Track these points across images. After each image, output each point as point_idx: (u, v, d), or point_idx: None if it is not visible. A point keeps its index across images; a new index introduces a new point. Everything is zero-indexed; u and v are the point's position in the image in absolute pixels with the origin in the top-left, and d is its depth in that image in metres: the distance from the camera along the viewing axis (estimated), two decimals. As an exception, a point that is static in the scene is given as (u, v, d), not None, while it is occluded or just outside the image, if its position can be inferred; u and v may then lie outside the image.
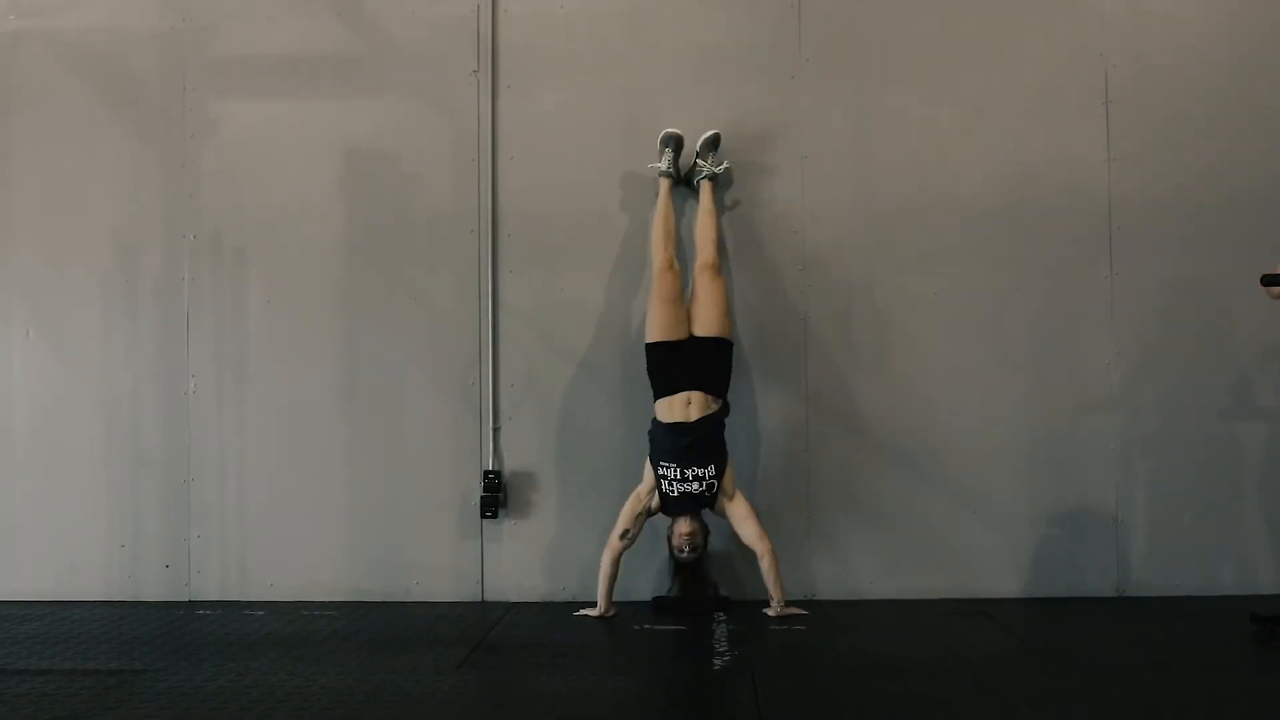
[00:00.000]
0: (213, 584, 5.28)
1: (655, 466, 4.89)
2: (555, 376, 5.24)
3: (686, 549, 4.85)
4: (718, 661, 4.14)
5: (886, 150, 5.23)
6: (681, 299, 5.03)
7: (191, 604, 5.21)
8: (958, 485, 5.16)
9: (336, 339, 5.30)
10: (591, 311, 5.22)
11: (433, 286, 5.28)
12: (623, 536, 4.87)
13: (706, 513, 4.90)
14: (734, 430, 5.01)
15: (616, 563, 4.87)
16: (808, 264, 5.21)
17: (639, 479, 4.98)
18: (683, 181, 5.22)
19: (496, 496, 5.17)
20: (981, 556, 5.14)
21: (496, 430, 5.24)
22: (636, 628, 4.68)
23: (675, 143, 5.14)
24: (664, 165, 5.14)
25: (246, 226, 5.33)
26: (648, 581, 5.09)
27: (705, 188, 5.14)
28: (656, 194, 5.16)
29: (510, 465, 5.24)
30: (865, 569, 5.16)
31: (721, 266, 5.08)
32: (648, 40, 5.30)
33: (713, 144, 5.14)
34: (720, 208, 5.18)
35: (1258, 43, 5.21)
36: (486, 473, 5.20)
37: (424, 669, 4.05)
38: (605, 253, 5.24)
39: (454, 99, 5.31)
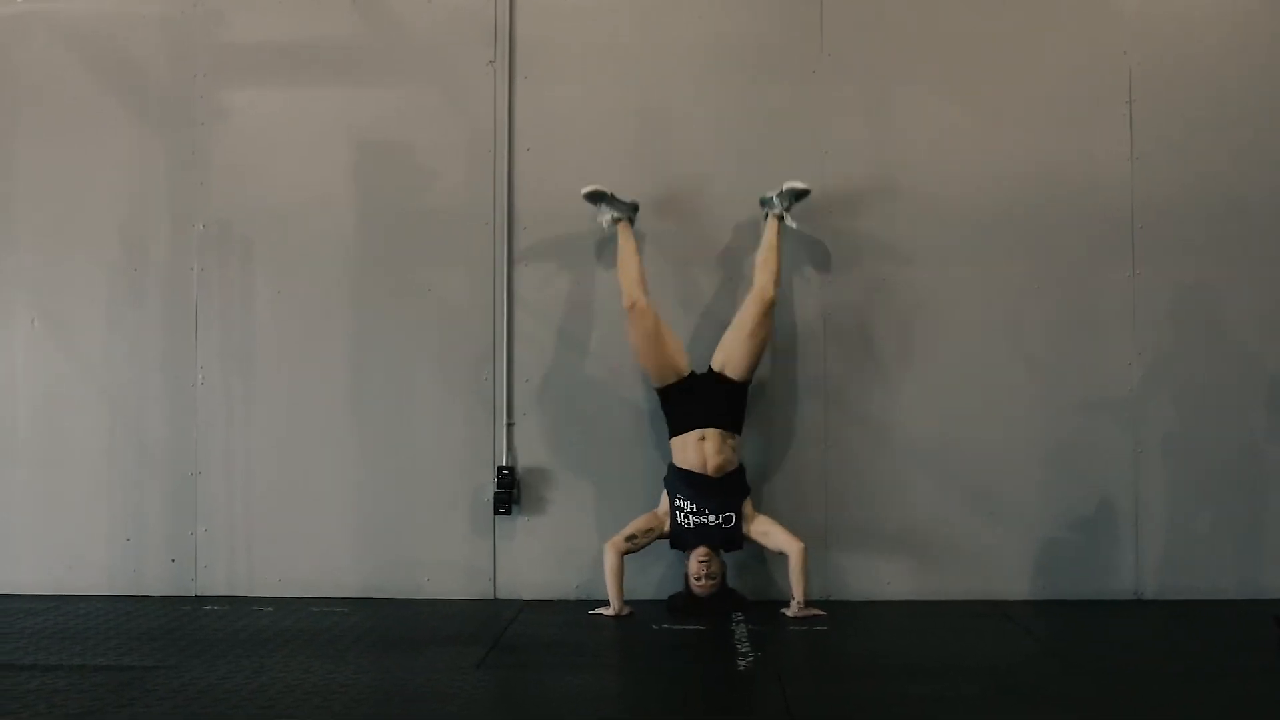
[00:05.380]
0: (219, 579, 5.19)
1: (671, 498, 4.85)
2: (570, 372, 5.17)
3: (703, 576, 4.73)
4: (741, 662, 4.07)
5: (907, 147, 5.17)
6: (660, 334, 4.85)
7: (198, 599, 5.12)
8: (976, 486, 5.11)
9: (348, 332, 5.21)
10: (607, 306, 5.13)
11: (446, 280, 5.20)
12: (629, 539, 4.81)
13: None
14: (752, 430, 4.97)
15: (621, 557, 4.78)
16: (827, 261, 5.16)
17: (655, 476, 4.94)
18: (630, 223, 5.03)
19: (510, 493, 5.10)
20: (999, 558, 5.09)
21: (510, 426, 5.16)
22: (655, 627, 4.61)
23: (599, 196, 4.96)
24: (607, 221, 5.00)
25: (257, 217, 5.24)
26: (661, 580, 5.03)
27: (771, 224, 4.98)
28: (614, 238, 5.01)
29: (524, 462, 5.16)
30: (883, 570, 5.10)
31: (775, 306, 4.88)
32: (666, 32, 5.23)
33: (796, 196, 4.93)
34: (782, 243, 4.98)
35: (1282, 39, 5.18)
36: (500, 469, 5.12)
37: (442, 668, 3.98)
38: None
39: (470, 90, 5.23)
